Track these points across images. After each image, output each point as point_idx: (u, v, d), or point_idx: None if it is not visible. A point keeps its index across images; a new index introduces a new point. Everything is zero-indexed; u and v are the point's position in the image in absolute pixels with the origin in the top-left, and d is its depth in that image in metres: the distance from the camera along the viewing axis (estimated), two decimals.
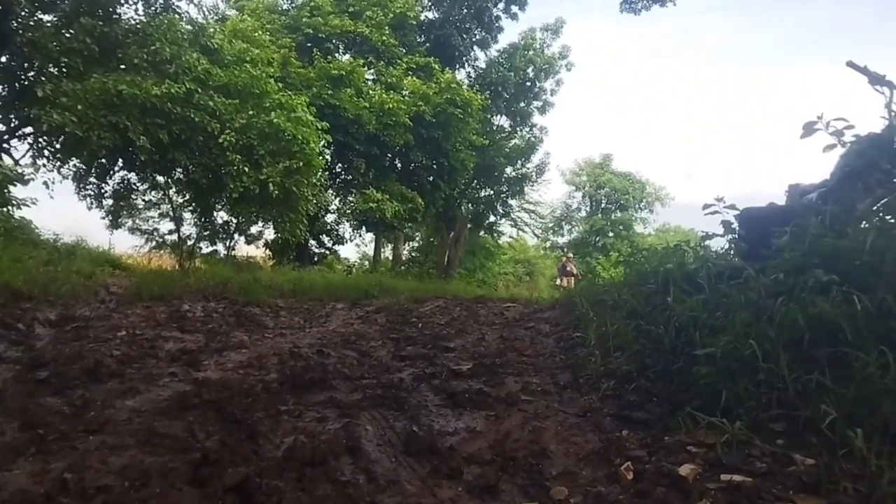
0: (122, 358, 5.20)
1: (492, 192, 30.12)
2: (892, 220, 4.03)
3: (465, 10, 26.54)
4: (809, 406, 3.06)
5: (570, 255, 27.32)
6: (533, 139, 30.17)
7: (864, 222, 4.09)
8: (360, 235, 26.38)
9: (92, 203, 14.67)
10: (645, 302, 5.28)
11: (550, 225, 49.90)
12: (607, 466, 3.14)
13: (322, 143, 16.05)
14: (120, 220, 16.58)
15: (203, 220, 16.52)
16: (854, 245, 3.76)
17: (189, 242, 16.79)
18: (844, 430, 2.80)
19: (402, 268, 27.20)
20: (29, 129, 12.09)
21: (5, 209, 14.13)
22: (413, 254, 33.73)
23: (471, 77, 28.44)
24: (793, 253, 3.98)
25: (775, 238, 4.25)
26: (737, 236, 5.41)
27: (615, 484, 2.95)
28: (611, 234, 48.20)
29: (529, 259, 48.48)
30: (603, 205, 50.23)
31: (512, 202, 32.80)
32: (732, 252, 5.40)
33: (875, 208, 4.27)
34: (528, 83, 28.85)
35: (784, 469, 2.78)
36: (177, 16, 13.23)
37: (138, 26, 12.47)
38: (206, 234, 17.30)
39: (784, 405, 3.19)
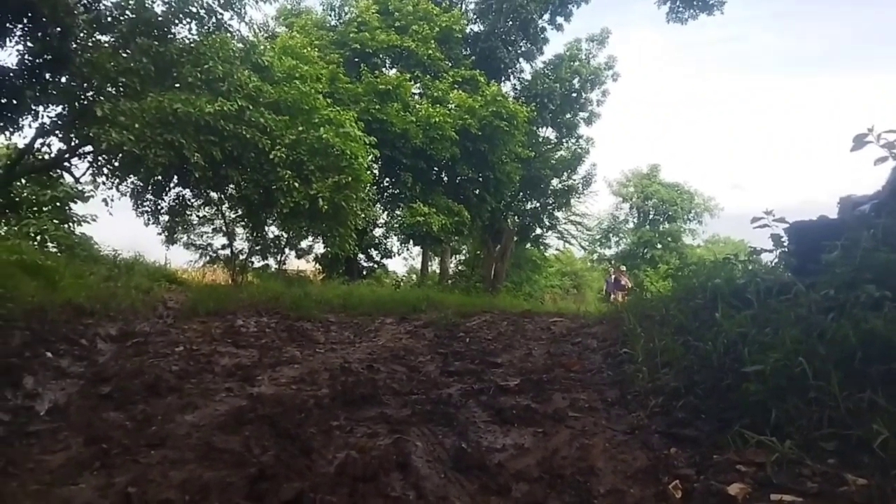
0: (180, 373, 5.40)
1: (538, 205, 30.00)
2: None
3: (511, 23, 26.59)
4: (862, 425, 3.00)
5: (623, 267, 26.89)
6: (579, 150, 29.97)
7: None
8: (408, 249, 26.60)
9: (149, 219, 15.09)
10: (693, 317, 5.21)
11: (597, 237, 49.41)
12: (655, 485, 3.13)
13: (370, 157, 16.24)
14: (175, 235, 17.00)
15: (255, 234, 16.86)
16: None
17: (241, 257, 17.13)
18: None
19: (449, 281, 27.20)
20: (89, 148, 12.44)
21: (67, 225, 14.72)
22: (460, 267, 33.73)
23: (516, 89, 28.49)
24: (844, 267, 3.90)
25: (826, 252, 4.18)
26: (786, 250, 5.32)
27: (664, 503, 2.95)
28: (659, 246, 47.54)
29: (576, 272, 48.11)
30: (651, 216, 49.58)
31: (558, 214, 32.61)
32: (782, 266, 5.31)
33: None
34: (574, 94, 28.72)
35: (835, 489, 2.73)
36: (229, 34, 13.49)
37: (192, 45, 12.76)
38: (257, 248, 17.64)
39: (836, 424, 3.13)
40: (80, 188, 15.21)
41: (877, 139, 4.34)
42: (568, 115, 29.11)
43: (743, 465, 3.12)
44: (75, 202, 15.81)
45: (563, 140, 30.26)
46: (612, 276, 22.42)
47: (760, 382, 3.52)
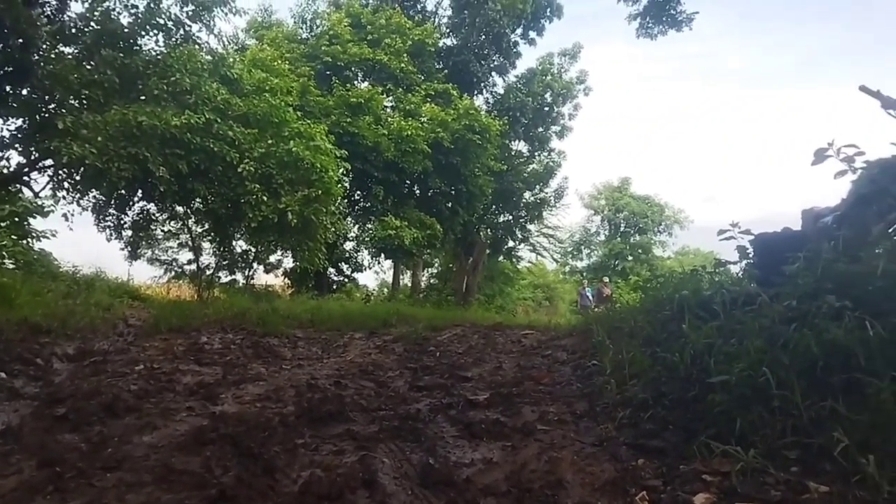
0: (139, 392, 5.26)
1: (510, 218, 30.21)
2: None
3: (484, 37, 26.79)
4: (823, 433, 3.05)
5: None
6: (551, 164, 30.28)
7: (877, 248, 4.06)
8: (379, 263, 26.45)
9: (111, 234, 14.87)
10: (661, 329, 5.26)
11: (569, 249, 49.92)
12: (623, 496, 3.13)
13: (341, 170, 16.21)
14: (139, 250, 16.79)
15: (222, 249, 16.68)
16: (867, 270, 3.74)
17: (208, 272, 16.93)
18: (857, 457, 2.80)
19: (421, 295, 27.18)
20: (49, 162, 12.24)
21: (25, 241, 14.39)
22: (431, 280, 33.74)
23: (489, 103, 28.70)
24: (806, 279, 3.97)
25: (789, 264, 4.24)
26: (752, 262, 5.40)
27: None
28: (630, 258, 48.21)
29: (549, 284, 48.38)
30: (622, 228, 50.28)
31: (530, 227, 32.89)
32: (747, 278, 5.37)
33: (889, 232, 4.25)
34: (546, 108, 29.04)
35: (798, 497, 2.77)
36: (197, 46, 13.43)
37: (159, 57, 12.69)
38: (224, 263, 17.45)
39: (798, 432, 3.17)
40: (39, 203, 14.93)
41: (836, 153, 4.44)
42: (540, 129, 29.41)
43: (709, 474, 3.14)
44: (34, 217, 15.49)
45: (536, 153, 30.57)
46: (592, 288, 22.60)
47: (726, 393, 3.55)
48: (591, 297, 23.48)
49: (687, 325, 4.54)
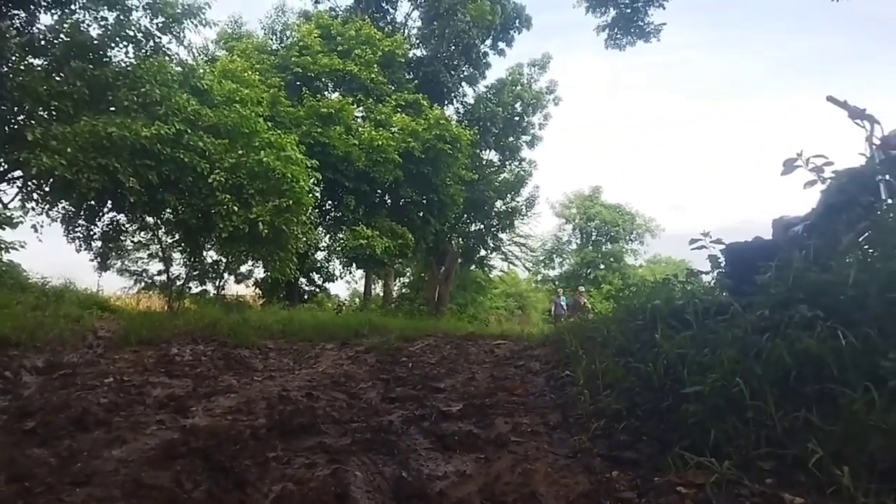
0: (109, 406, 5.14)
1: (482, 227, 30.36)
2: (875, 254, 4.05)
3: (453, 47, 26.99)
4: (797, 444, 3.03)
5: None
6: (522, 173, 30.56)
7: (847, 257, 4.11)
8: (351, 272, 26.41)
9: (81, 245, 14.67)
10: (634, 338, 5.25)
11: (541, 258, 50.24)
12: None
13: (312, 180, 16.13)
14: (108, 261, 16.56)
15: (192, 259, 16.50)
16: (838, 279, 3.76)
17: (178, 283, 16.73)
18: (831, 468, 2.79)
19: (393, 305, 27.13)
20: (18, 173, 12.13)
21: None
22: (404, 290, 33.72)
23: (459, 113, 28.91)
24: (778, 288, 3.98)
25: (760, 273, 4.27)
26: (723, 271, 5.43)
27: None
28: (602, 267, 48.60)
29: (521, 292, 48.60)
30: (593, 237, 50.77)
31: (502, 236, 33.15)
32: (719, 287, 5.41)
33: (859, 241, 4.31)
34: (517, 118, 29.32)
35: None
36: (167, 58, 13.41)
37: (129, 69, 12.65)
38: (195, 273, 17.25)
39: (772, 443, 3.15)
40: (8, 214, 14.69)
41: (805, 164, 4.51)
42: (510, 139, 29.67)
43: (683, 486, 3.11)
44: (3, 228, 15.23)
45: (507, 163, 30.84)
46: (566, 297, 22.75)
47: (699, 403, 3.53)
48: (564, 307, 23.64)
49: (660, 335, 4.53)
